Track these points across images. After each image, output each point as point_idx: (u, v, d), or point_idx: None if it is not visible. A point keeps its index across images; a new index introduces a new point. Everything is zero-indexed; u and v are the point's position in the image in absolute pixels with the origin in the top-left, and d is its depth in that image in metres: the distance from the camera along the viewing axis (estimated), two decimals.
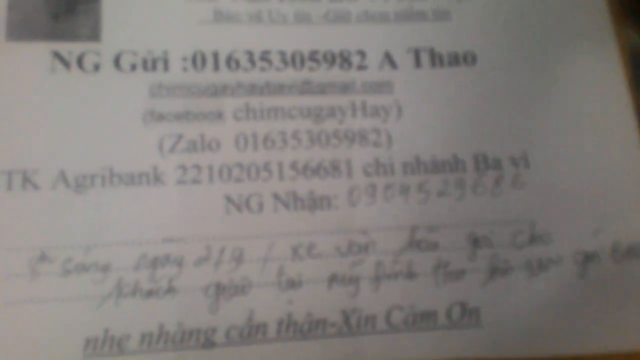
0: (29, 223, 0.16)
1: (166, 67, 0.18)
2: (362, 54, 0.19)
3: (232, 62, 0.18)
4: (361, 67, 0.18)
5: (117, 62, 0.17)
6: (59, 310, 0.15)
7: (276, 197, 0.17)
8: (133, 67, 0.17)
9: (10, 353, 0.15)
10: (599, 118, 0.18)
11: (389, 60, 0.19)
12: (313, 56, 0.18)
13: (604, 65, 0.19)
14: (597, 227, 0.17)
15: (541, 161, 0.18)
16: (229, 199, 0.17)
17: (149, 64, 0.18)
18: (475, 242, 0.17)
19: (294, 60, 0.18)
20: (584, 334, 0.17)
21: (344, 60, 0.18)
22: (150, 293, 0.16)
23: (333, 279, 0.17)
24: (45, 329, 0.15)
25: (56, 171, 0.16)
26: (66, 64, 0.17)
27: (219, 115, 0.17)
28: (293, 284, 0.16)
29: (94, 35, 0.18)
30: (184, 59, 0.18)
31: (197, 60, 0.18)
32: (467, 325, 0.17)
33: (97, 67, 0.17)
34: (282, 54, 0.18)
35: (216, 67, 0.18)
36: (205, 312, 0.16)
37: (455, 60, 0.19)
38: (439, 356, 0.16)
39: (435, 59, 0.19)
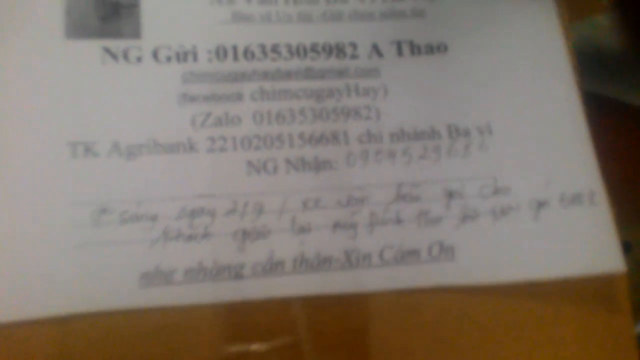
0: (91, 183, 0.20)
1: (195, 59, 0.22)
2: (354, 45, 0.23)
3: (248, 53, 0.22)
4: (354, 57, 0.23)
5: (155, 55, 0.21)
6: (118, 251, 0.19)
7: (288, 161, 0.21)
8: (168, 59, 0.21)
9: (80, 285, 0.19)
10: (547, 93, 0.23)
11: (376, 50, 0.23)
12: (314, 48, 0.22)
13: (552, 52, 0.23)
14: (548, 180, 0.22)
15: (501, 129, 0.22)
16: (249, 163, 0.21)
17: (181, 56, 0.21)
18: (450, 194, 0.21)
19: (299, 51, 0.22)
20: (537, 264, 0.21)
21: (340, 51, 0.23)
22: (190, 237, 0.20)
23: (336, 225, 0.21)
24: (108, 266, 0.19)
25: (111, 142, 0.20)
26: (114, 57, 0.21)
27: (239, 97, 0.21)
28: (304, 230, 0.20)
29: (136, 33, 0.21)
30: (209, 51, 0.22)
31: (220, 53, 0.22)
32: (444, 259, 0.21)
33: (139, 59, 0.21)
34: (289, 46, 0.22)
35: (235, 58, 0.22)
36: (235, 252, 0.20)
37: (431, 49, 0.23)
38: (422, 284, 0.20)
39: (414, 49, 0.23)
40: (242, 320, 0.19)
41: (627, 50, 0.35)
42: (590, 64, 0.34)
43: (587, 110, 0.23)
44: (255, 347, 0.19)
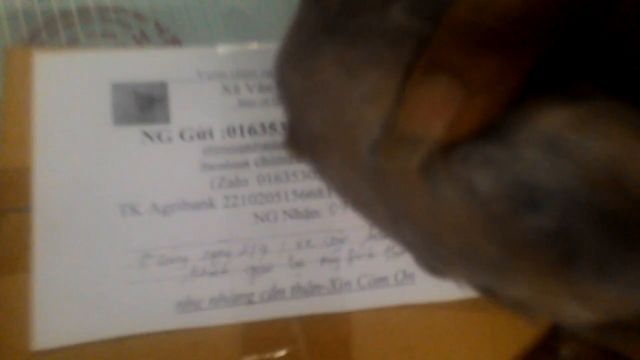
0: (137, 235, 0.26)
1: (212, 136, 0.28)
2: None
3: (252, 131, 0.29)
4: None
5: (181, 135, 0.28)
6: (159, 286, 0.25)
7: (285, 212, 0.27)
8: (191, 137, 0.28)
9: (131, 313, 0.25)
10: None
11: None
12: None
13: None
14: None
15: None
16: (255, 215, 0.27)
17: (201, 135, 0.28)
18: None
19: None
20: None
21: None
22: (212, 273, 0.26)
23: (323, 260, 0.27)
24: (151, 298, 0.25)
25: (150, 203, 0.27)
26: (151, 138, 0.28)
27: (246, 164, 0.28)
28: (299, 264, 0.27)
29: (166, 119, 0.28)
30: (222, 130, 0.28)
31: (230, 131, 0.29)
32: (407, 283, 0.27)
33: (170, 139, 0.28)
34: (283, 123, 0.29)
35: (242, 134, 0.29)
36: (247, 284, 0.26)
37: None
38: (390, 303, 0.27)
39: None
40: (254, 336, 0.26)
41: None
42: None
43: None
44: (265, 356, 0.25)
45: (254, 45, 0.30)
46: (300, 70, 0.16)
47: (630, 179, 0.13)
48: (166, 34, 0.44)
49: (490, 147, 0.14)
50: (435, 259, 0.17)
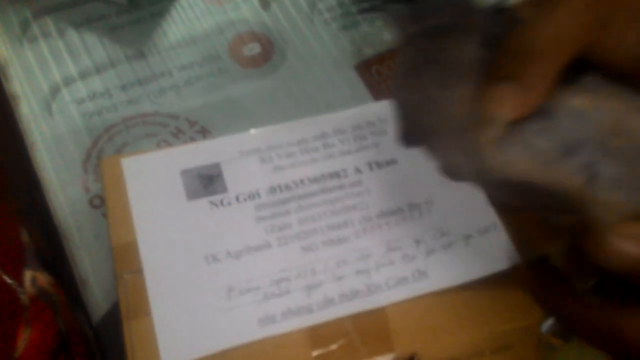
0: (221, 276, 0.35)
1: (259, 196, 0.38)
2: (345, 170, 0.39)
3: (287, 187, 0.39)
4: (345, 176, 0.39)
5: (237, 199, 0.38)
6: (243, 310, 0.34)
7: (323, 242, 0.37)
8: (245, 199, 0.38)
9: (225, 332, 0.34)
10: None
11: (357, 170, 0.40)
12: (323, 176, 0.39)
13: None
14: (469, 222, 0.38)
15: (438, 200, 0.39)
16: (302, 247, 0.37)
17: (251, 197, 0.38)
18: (417, 242, 0.37)
19: (315, 180, 0.39)
20: (471, 269, 0.36)
21: (337, 175, 0.39)
22: (279, 295, 0.35)
23: (358, 272, 0.36)
24: (239, 318, 0.34)
25: (226, 251, 0.36)
26: (216, 205, 0.38)
27: (288, 213, 0.38)
28: (341, 278, 0.36)
29: (224, 189, 0.38)
30: (266, 190, 0.38)
31: (272, 190, 0.38)
32: (422, 279, 0.36)
33: (229, 203, 0.38)
34: (309, 178, 0.39)
35: (281, 191, 0.38)
36: (305, 298, 0.35)
37: (387, 163, 0.40)
38: (411, 295, 0.36)
39: (378, 165, 0.40)
40: (317, 335, 0.35)
41: None
42: None
43: None
44: (329, 348, 0.34)
45: (276, 126, 0.41)
46: (409, 89, 0.26)
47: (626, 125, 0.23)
48: (196, 126, 0.55)
49: (541, 121, 0.24)
50: None
